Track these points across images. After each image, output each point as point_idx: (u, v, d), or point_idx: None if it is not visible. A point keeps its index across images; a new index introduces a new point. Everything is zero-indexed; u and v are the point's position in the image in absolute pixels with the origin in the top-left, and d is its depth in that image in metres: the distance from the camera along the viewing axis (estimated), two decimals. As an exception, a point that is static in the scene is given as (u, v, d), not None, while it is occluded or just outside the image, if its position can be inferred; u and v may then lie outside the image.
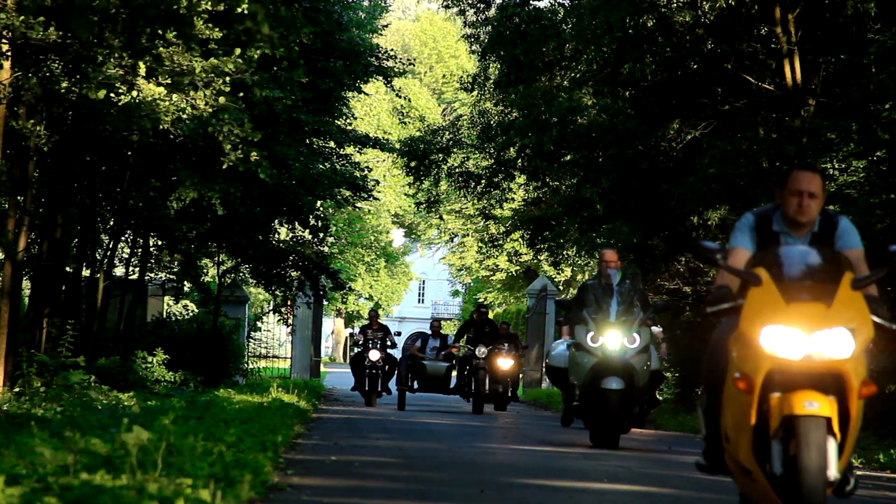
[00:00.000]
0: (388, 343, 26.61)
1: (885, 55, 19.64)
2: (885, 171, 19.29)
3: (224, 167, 17.04)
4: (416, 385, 26.04)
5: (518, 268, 53.33)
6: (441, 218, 50.04)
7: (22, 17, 14.29)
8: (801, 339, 6.03)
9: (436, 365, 25.77)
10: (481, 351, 25.57)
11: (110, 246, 23.97)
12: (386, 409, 24.32)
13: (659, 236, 25.94)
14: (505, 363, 26.49)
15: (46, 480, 6.27)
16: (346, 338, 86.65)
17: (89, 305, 23.07)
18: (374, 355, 26.13)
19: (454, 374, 26.79)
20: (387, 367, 26.36)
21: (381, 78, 28.99)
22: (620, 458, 12.94)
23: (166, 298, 33.87)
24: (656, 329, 18.60)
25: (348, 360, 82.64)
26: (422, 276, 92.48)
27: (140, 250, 26.12)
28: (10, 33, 14.99)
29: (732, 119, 23.67)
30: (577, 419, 17.70)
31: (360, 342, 26.53)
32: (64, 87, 15.36)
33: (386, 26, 35.39)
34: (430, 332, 26.59)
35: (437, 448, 12.78)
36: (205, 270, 30.35)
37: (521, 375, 27.85)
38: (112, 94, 15.34)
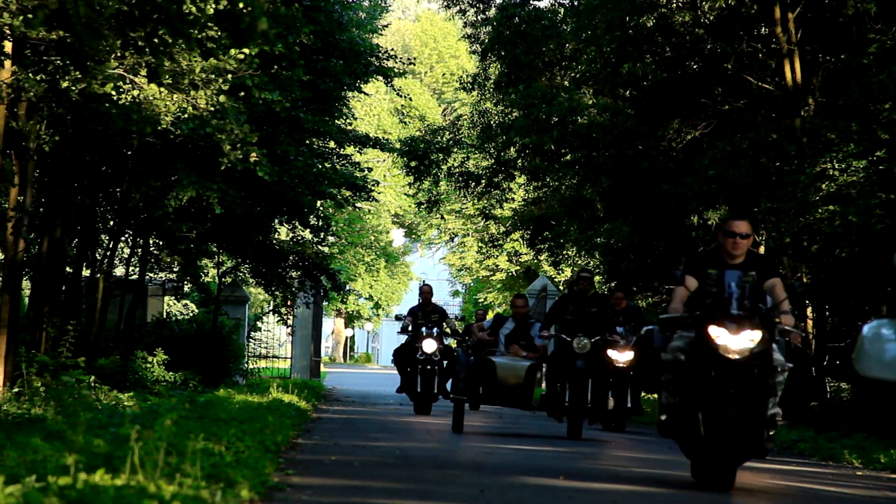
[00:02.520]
0: (448, 330, 20.32)
1: (885, 55, 19.66)
2: (885, 171, 19.30)
3: (223, 168, 17.04)
4: (481, 392, 16.48)
5: (518, 268, 53.32)
6: (441, 218, 50.00)
7: (22, 17, 14.27)
8: None
9: (510, 364, 16.30)
10: (581, 343, 16.76)
11: (110, 246, 23.97)
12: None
13: (659, 237, 25.93)
14: (620, 357, 18.28)
15: (46, 480, 6.27)
16: (347, 338, 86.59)
17: (89, 305, 23.08)
18: (430, 346, 19.73)
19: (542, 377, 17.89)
20: (445, 361, 20.12)
21: (381, 78, 28.98)
22: (620, 458, 12.93)
23: (166, 298, 33.89)
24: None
25: (349, 355, 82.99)
26: (422, 276, 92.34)
27: (140, 250, 26.12)
28: (10, 32, 14.98)
29: (732, 119, 23.69)
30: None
31: (410, 328, 20.27)
32: (65, 85, 15.35)
33: (386, 26, 35.43)
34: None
35: (437, 448, 12.77)
36: (205, 270, 30.36)
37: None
38: (113, 93, 15.34)
